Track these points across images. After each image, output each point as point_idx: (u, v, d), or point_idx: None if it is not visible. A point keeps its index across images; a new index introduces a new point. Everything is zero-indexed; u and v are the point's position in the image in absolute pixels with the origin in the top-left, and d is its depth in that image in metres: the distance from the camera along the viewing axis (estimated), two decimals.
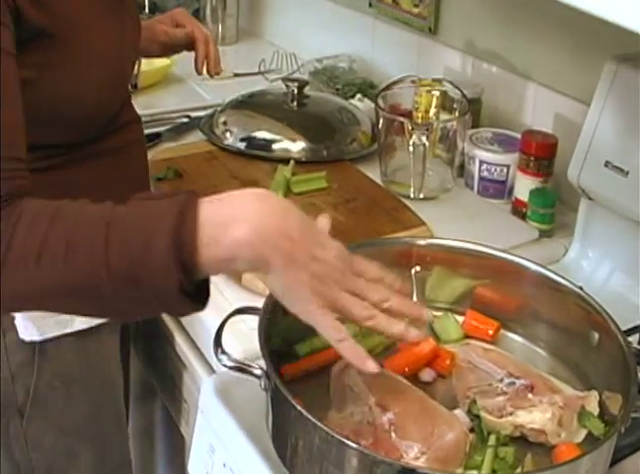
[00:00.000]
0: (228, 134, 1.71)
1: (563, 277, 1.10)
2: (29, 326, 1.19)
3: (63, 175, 1.16)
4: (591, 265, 1.39)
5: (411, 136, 1.51)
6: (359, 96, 1.94)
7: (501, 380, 1.02)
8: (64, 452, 1.30)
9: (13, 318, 1.18)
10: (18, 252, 0.83)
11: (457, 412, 0.99)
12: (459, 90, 1.59)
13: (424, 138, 1.50)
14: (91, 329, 1.24)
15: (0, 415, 1.24)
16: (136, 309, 0.89)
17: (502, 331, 1.14)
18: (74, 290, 0.84)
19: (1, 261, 0.83)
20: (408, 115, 1.60)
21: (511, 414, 0.98)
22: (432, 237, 1.27)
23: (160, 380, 1.50)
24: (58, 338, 1.22)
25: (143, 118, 1.48)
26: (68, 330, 1.22)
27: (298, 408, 0.87)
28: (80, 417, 1.30)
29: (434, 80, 1.62)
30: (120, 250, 0.82)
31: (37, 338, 1.20)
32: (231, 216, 0.84)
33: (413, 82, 1.62)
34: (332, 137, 1.71)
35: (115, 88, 1.19)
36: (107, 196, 0.87)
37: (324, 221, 0.94)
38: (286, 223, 0.86)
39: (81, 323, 1.23)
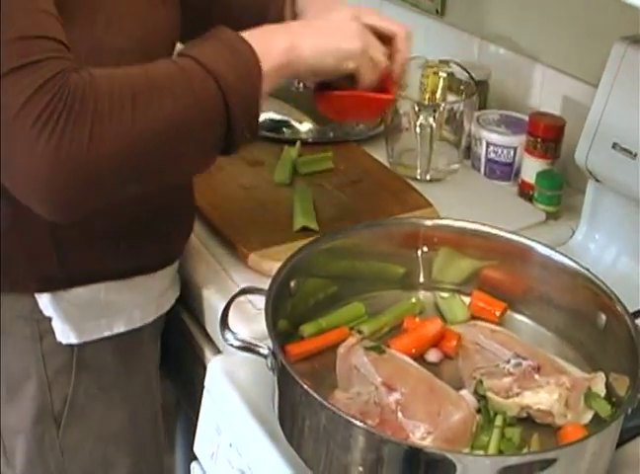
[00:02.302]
0: None
1: (571, 259, 1.09)
2: (66, 329, 1.15)
3: None
4: (598, 247, 1.38)
5: (418, 118, 1.50)
6: None
7: (507, 361, 1.02)
8: (101, 462, 1.24)
9: (50, 320, 1.14)
10: (108, 101, 0.89)
11: (464, 392, 0.99)
12: (466, 71, 1.57)
13: (431, 120, 1.49)
14: (132, 332, 1.21)
15: (36, 424, 1.19)
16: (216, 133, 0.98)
17: (508, 312, 1.14)
18: (173, 126, 0.93)
19: (92, 112, 0.87)
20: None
21: (517, 395, 0.98)
22: (439, 218, 1.27)
23: (166, 361, 1.50)
24: (97, 342, 1.18)
25: None
26: (107, 333, 1.18)
27: (305, 387, 0.87)
28: (119, 424, 1.24)
29: (441, 61, 1.61)
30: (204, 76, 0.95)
31: (74, 341, 1.16)
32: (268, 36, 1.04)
33: (420, 63, 1.61)
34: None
35: (139, 60, 1.07)
36: None
37: None
38: None
39: (121, 325, 1.19)
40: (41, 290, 1.13)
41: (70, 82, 0.88)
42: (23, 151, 0.87)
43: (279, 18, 1.25)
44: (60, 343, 1.15)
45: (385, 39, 1.13)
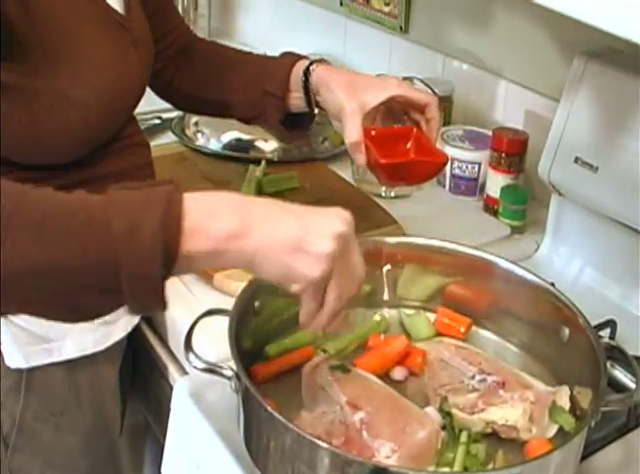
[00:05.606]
0: (200, 135, 1.70)
1: (533, 274, 1.10)
2: (14, 352, 1.13)
3: None
4: (562, 260, 1.40)
5: None
6: None
7: (472, 377, 1.03)
8: None
9: None
10: None
11: (429, 410, 0.99)
12: (430, 88, 1.59)
13: None
14: (84, 358, 1.19)
15: None
16: (100, 300, 0.82)
17: (474, 328, 1.15)
18: (38, 272, 0.75)
19: None
20: None
21: (482, 410, 0.98)
22: (402, 235, 1.27)
23: (134, 381, 1.49)
24: (47, 366, 1.16)
25: None
26: (56, 358, 1.16)
27: (269, 409, 0.86)
28: (69, 451, 1.23)
29: (404, 78, 1.62)
30: (101, 232, 0.75)
31: (22, 365, 1.14)
32: (217, 208, 0.81)
33: None
34: (304, 137, 1.70)
35: (106, 114, 1.09)
36: None
37: None
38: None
39: (71, 351, 1.17)
40: None
41: None
42: None
43: (279, 88, 1.26)
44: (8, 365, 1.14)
45: (416, 107, 1.21)
